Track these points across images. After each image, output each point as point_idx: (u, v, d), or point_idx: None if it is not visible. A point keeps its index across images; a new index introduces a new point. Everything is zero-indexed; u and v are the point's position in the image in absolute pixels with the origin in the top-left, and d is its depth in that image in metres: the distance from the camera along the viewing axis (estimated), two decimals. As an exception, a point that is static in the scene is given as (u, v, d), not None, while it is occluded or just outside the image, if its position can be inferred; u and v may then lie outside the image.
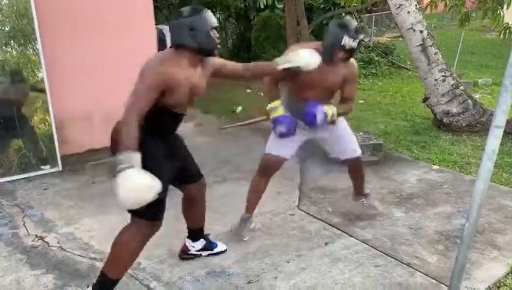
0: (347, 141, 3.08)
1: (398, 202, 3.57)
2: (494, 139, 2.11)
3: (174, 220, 3.29)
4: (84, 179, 4.09)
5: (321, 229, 3.15)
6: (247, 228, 3.06)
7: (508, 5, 5.82)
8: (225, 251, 2.85)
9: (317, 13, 11.42)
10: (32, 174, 4.13)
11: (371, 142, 4.51)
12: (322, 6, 11.64)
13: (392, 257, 2.78)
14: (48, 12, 4.20)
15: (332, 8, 11.10)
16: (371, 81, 9.07)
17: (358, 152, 3.13)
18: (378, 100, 7.41)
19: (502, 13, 6.06)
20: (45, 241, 3.02)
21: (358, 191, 3.38)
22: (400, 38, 9.64)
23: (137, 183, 1.85)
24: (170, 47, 2.19)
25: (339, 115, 2.84)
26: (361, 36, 2.71)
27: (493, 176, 3.93)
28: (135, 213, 2.08)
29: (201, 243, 2.78)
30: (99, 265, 2.72)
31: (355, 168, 3.23)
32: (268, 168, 3.03)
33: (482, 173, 2.17)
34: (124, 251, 2.16)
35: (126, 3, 4.67)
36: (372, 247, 2.90)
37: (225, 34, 11.87)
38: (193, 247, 2.76)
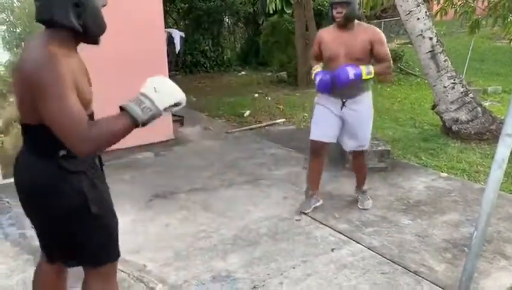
0: (363, 132, 3.35)
1: (406, 209, 3.54)
2: (504, 148, 2.09)
3: (179, 223, 3.31)
4: (92, 180, 4.10)
5: (327, 235, 3.13)
6: (310, 203, 3.48)
7: (519, 13, 5.79)
8: None
9: (326, 18, 11.43)
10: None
11: (379, 148, 4.48)
12: (331, 11, 11.67)
13: (399, 265, 2.76)
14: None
15: (341, 14, 11.12)
16: (379, 87, 9.04)
17: (365, 147, 3.42)
18: (386, 106, 7.39)
19: (512, 21, 6.04)
20: (52, 242, 3.03)
21: (358, 184, 3.66)
22: (409, 45, 9.61)
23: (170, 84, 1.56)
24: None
25: (377, 74, 3.15)
26: None
27: (502, 185, 3.87)
28: (97, 263, 1.73)
29: None
30: (105, 267, 2.73)
31: (358, 162, 3.56)
32: (316, 151, 3.40)
33: (491, 181, 2.15)
34: None
35: (137, 7, 4.71)
36: (379, 254, 2.88)
37: (234, 38, 11.91)
38: None
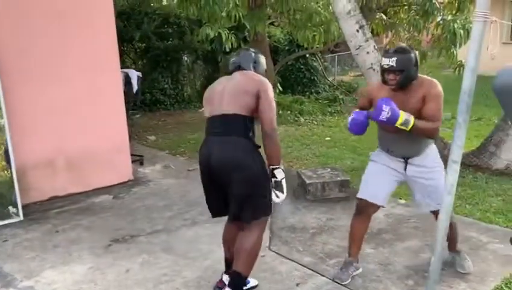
0: (438, 190, 2.75)
1: (367, 238, 3.57)
2: (452, 174, 2.18)
3: (140, 267, 3.20)
4: (47, 228, 3.93)
5: (292, 269, 3.11)
6: (349, 271, 2.98)
7: (460, 44, 6.19)
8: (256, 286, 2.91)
9: (282, 54, 11.76)
10: (-10, 225, 3.95)
11: (338, 178, 4.57)
12: (286, 48, 12.02)
13: (363, 295, 2.77)
14: (9, 60, 4.15)
15: (296, 50, 11.48)
16: (336, 118, 9.29)
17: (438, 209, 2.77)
18: (344, 137, 7.57)
19: (455, 51, 6.44)
20: (3, 297, 2.86)
21: (450, 245, 3.10)
22: (362, 77, 9.99)
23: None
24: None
25: (417, 129, 2.64)
26: (398, 55, 2.71)
27: (457, 208, 4.03)
28: (257, 217, 2.54)
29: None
30: (61, 320, 2.59)
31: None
32: (360, 210, 3.02)
33: (443, 207, 2.23)
34: (256, 252, 2.59)
35: (90, 49, 4.68)
36: (343, 285, 2.88)
37: (193, 76, 11.99)
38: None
